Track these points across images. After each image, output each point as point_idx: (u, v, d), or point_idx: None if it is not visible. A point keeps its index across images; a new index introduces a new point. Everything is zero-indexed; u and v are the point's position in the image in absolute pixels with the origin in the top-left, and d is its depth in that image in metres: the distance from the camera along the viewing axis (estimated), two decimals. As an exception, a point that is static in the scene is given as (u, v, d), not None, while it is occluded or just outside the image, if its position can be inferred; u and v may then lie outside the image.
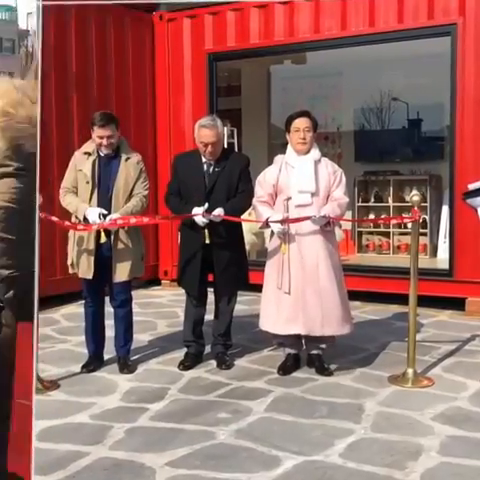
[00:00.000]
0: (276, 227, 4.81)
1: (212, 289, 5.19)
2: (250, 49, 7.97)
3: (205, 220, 4.82)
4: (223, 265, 5.00)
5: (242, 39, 7.94)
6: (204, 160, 5.01)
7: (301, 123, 4.85)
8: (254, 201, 4.98)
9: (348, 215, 8.31)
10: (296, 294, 4.77)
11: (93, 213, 4.76)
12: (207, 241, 4.89)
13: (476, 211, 4.81)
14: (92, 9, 7.72)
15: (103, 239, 4.80)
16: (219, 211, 4.83)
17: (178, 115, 8.38)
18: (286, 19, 7.68)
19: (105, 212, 4.77)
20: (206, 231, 4.87)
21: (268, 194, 4.92)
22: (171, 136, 8.42)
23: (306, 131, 4.84)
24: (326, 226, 4.78)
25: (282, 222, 4.76)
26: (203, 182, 4.98)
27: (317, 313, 4.75)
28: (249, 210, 5.24)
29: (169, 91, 8.42)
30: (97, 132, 4.84)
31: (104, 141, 4.84)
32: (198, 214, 4.82)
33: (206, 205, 4.83)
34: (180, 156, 5.35)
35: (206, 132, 4.91)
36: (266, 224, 4.89)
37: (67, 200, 4.93)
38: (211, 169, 5.01)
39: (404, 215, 8.62)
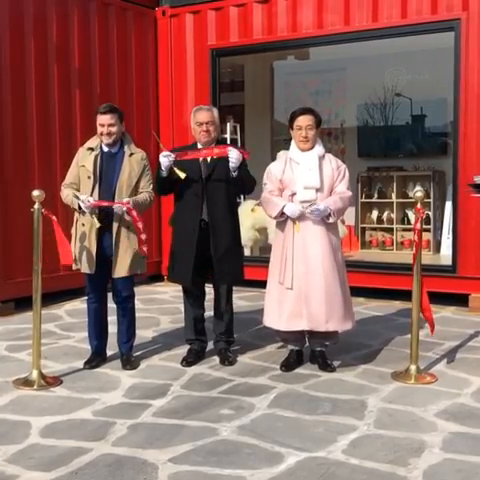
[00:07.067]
0: (295, 208, 4.72)
1: (209, 287, 5.17)
2: (253, 45, 7.96)
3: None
4: (221, 252, 4.95)
5: (245, 35, 7.93)
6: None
7: (303, 121, 4.81)
8: (266, 194, 4.94)
9: (351, 211, 8.33)
10: (299, 290, 4.76)
11: (82, 196, 4.72)
12: (204, 217, 4.91)
13: None
14: (95, 4, 7.71)
15: (97, 224, 4.75)
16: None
17: (181, 111, 8.36)
18: (289, 14, 7.66)
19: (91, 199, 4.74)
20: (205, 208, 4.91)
21: (277, 188, 4.90)
22: (174, 132, 8.41)
23: (308, 129, 4.80)
24: (328, 218, 4.76)
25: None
26: (199, 172, 4.95)
27: (321, 309, 4.75)
28: (256, 202, 5.19)
29: (172, 87, 8.41)
30: (99, 119, 4.81)
31: (104, 129, 4.79)
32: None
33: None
34: (177, 148, 5.38)
35: (202, 113, 4.99)
36: (281, 214, 4.84)
37: (64, 194, 4.90)
38: (208, 158, 4.99)
39: (407, 211, 8.65)
